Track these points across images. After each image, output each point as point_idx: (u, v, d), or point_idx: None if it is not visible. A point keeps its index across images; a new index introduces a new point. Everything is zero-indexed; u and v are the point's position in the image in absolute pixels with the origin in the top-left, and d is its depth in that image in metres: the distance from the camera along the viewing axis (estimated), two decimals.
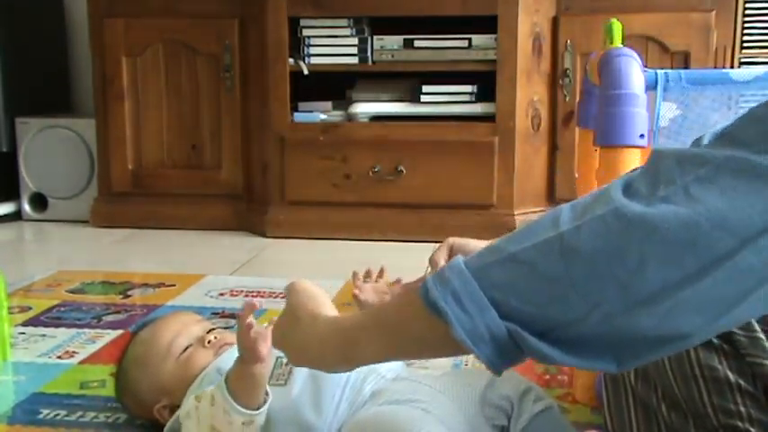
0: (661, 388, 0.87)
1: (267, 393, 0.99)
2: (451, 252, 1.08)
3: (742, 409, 0.81)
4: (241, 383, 0.97)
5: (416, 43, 2.49)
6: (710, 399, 0.82)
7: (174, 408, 1.09)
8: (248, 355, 0.95)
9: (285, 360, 1.02)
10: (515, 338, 0.60)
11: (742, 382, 0.82)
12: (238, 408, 0.96)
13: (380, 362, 0.75)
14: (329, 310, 0.80)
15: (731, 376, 0.82)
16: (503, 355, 0.62)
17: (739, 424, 0.81)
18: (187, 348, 1.13)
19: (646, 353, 0.59)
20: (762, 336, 0.82)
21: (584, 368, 0.62)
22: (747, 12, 2.46)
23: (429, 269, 1.08)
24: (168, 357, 1.12)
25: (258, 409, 0.98)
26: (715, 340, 0.83)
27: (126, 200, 2.79)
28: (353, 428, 0.98)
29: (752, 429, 0.80)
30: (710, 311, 0.56)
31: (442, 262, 1.05)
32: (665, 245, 0.54)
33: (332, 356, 0.75)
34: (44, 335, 1.65)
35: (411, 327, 0.67)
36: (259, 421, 0.99)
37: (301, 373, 1.03)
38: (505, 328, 0.60)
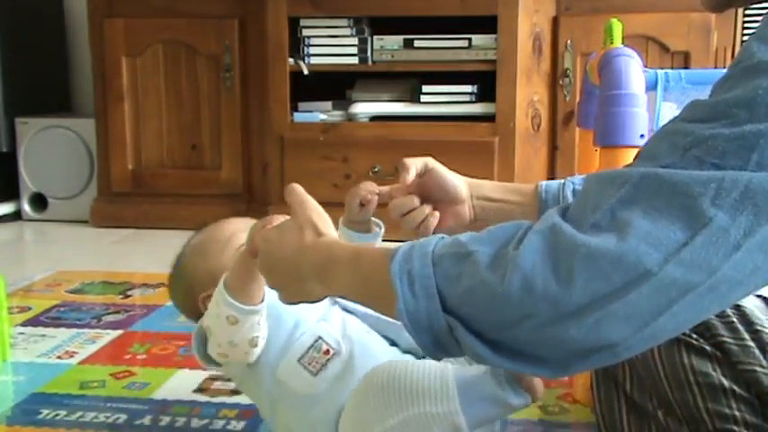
0: (656, 396, 0.87)
1: (263, 299, 0.96)
2: (425, 168, 1.03)
3: (737, 413, 0.81)
4: (236, 273, 0.94)
5: (416, 43, 2.49)
6: (705, 404, 0.83)
7: None
8: (250, 244, 0.91)
9: (325, 347, 1.00)
10: (454, 333, 0.63)
11: (736, 388, 0.82)
12: (228, 298, 0.93)
13: (348, 299, 0.77)
14: (333, 231, 0.81)
15: (725, 382, 0.83)
16: (438, 346, 0.64)
17: (735, 428, 0.81)
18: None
19: (576, 362, 0.61)
20: (751, 343, 0.83)
21: (517, 371, 0.65)
22: (747, 12, 2.46)
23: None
24: (227, 248, 1.10)
25: (247, 306, 0.94)
26: (707, 347, 0.84)
27: (126, 200, 2.79)
28: (367, 380, 0.94)
29: None
30: (637, 322, 0.58)
31: (411, 170, 1.01)
32: (592, 261, 0.57)
33: (311, 271, 0.76)
34: (44, 335, 1.65)
35: (375, 282, 0.69)
36: (247, 324, 0.95)
37: (334, 370, 1.00)
38: (445, 321, 0.63)
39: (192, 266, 1.13)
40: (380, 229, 1.10)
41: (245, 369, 1.04)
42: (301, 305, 0.84)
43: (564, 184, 1.02)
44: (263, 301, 0.96)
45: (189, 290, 1.12)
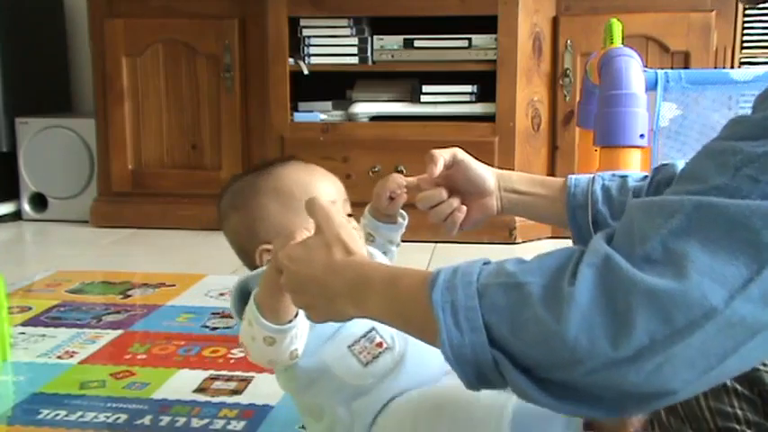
0: None
1: (297, 314, 0.89)
2: (453, 161, 0.98)
3: (739, 412, 0.81)
4: (267, 291, 0.87)
5: (416, 43, 2.49)
6: (707, 402, 0.82)
7: None
8: (274, 261, 0.84)
9: (378, 339, 0.95)
10: (500, 368, 0.60)
11: (738, 386, 0.82)
12: (263, 321, 0.87)
13: (382, 322, 0.72)
14: (362, 248, 0.77)
15: (728, 381, 0.82)
16: (482, 379, 0.61)
17: (736, 426, 0.81)
18: None
19: (633, 406, 0.57)
20: None
21: (566, 413, 0.60)
22: (747, 12, 2.46)
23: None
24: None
25: (283, 325, 0.88)
26: None
27: (126, 200, 2.79)
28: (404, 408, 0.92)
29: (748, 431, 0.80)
30: (701, 365, 0.54)
31: (439, 162, 0.96)
32: (652, 299, 0.53)
33: (342, 291, 0.72)
34: (44, 335, 1.65)
35: (413, 308, 0.66)
36: (286, 342, 0.90)
37: (384, 365, 0.94)
38: (491, 356, 0.60)
39: (265, 208, 1.02)
40: (404, 220, 1.09)
41: None
42: None
43: (593, 179, 0.98)
44: (297, 314, 0.90)
45: (251, 230, 1.03)
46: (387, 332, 0.96)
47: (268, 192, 1.03)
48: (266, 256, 1.00)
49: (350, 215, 1.05)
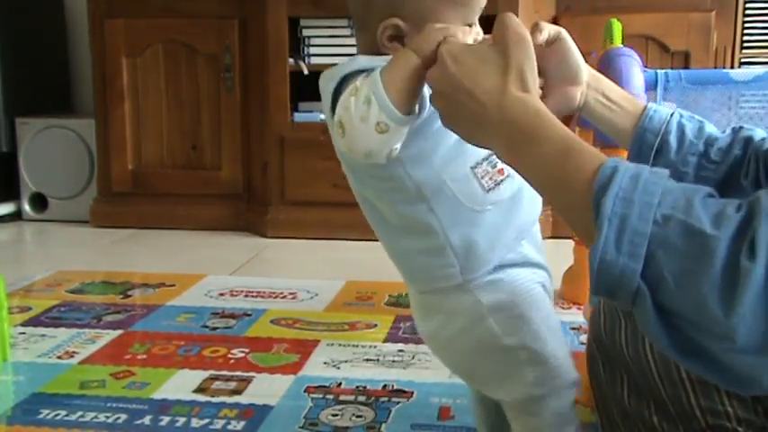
0: (650, 397, 0.87)
1: (420, 109, 0.81)
2: (558, 37, 0.89)
3: (729, 409, 0.81)
4: (400, 73, 0.78)
5: None
6: (698, 401, 0.82)
7: (399, 39, 0.87)
8: (429, 54, 0.77)
9: (500, 165, 0.87)
10: (637, 298, 0.56)
11: None
12: (388, 102, 0.78)
13: (524, 178, 0.68)
14: (537, 90, 0.71)
15: None
16: (609, 295, 0.58)
17: (727, 424, 0.80)
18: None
19: (763, 392, 0.53)
20: None
21: (684, 366, 0.55)
22: (747, 12, 2.46)
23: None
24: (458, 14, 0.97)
25: (408, 115, 0.79)
26: None
27: (126, 200, 2.79)
28: (494, 294, 0.89)
29: (739, 429, 0.80)
30: None
31: (544, 33, 0.88)
32: None
33: (499, 126, 0.67)
34: (44, 335, 1.65)
35: (572, 189, 0.62)
36: (397, 136, 0.80)
37: (505, 192, 0.88)
38: (636, 286, 0.56)
39: None
40: None
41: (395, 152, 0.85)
42: None
43: (674, 112, 0.92)
44: (420, 110, 0.82)
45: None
46: None
47: None
48: (388, 33, 0.87)
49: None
